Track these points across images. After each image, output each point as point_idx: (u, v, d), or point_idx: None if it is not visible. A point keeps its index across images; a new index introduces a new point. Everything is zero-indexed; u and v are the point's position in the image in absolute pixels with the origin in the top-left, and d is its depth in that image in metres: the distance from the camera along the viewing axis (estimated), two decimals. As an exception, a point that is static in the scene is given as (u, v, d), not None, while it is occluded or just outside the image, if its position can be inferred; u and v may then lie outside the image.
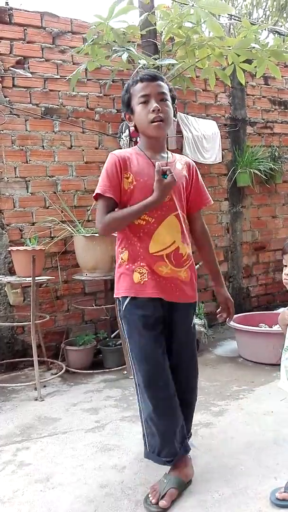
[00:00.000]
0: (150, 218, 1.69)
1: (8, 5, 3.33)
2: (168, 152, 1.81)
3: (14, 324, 3.25)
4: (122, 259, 1.75)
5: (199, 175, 1.88)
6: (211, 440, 2.16)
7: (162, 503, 1.65)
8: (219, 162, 4.23)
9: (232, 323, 3.43)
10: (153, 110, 1.65)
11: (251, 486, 1.77)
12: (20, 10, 3.35)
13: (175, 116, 1.78)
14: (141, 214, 1.67)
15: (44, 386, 2.93)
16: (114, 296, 1.81)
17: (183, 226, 1.76)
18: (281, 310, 1.65)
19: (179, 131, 3.90)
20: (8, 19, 3.29)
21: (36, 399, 2.75)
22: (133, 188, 1.69)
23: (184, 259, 1.76)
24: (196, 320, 3.60)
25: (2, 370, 3.24)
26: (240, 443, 2.12)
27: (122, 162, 1.71)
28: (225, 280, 4.41)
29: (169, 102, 1.71)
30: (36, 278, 2.88)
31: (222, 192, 4.42)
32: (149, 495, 1.71)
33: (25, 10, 3.36)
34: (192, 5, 3.22)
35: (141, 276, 1.70)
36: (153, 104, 1.65)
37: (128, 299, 1.73)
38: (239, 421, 2.35)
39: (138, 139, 1.89)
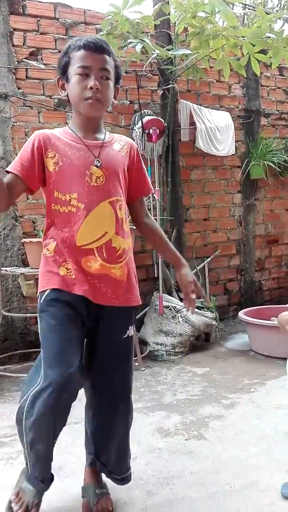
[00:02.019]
0: (79, 203, 1.45)
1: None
2: (106, 132, 1.58)
3: (27, 315, 3.28)
4: (48, 250, 1.49)
5: (141, 160, 1.64)
6: (222, 433, 2.17)
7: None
8: (232, 154, 4.19)
9: (244, 316, 3.43)
10: (91, 87, 1.41)
11: (262, 479, 1.77)
12: (34, 1, 3.34)
13: (115, 97, 1.54)
14: None
15: (57, 377, 2.96)
16: (38, 293, 1.53)
17: (119, 215, 1.50)
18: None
19: (192, 123, 3.88)
20: (22, 10, 3.28)
21: (48, 389, 2.78)
22: (59, 170, 1.45)
23: (119, 253, 1.49)
24: (207, 313, 3.64)
25: (15, 361, 3.29)
26: (251, 436, 2.13)
27: (43, 140, 1.47)
28: (237, 274, 4.43)
29: (111, 82, 1.47)
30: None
31: (235, 185, 4.38)
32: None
33: (39, 1, 3.36)
34: (207, -5, 3.18)
35: (67, 271, 1.46)
36: (91, 81, 1.41)
37: (48, 291, 1.46)
38: (250, 414, 2.35)
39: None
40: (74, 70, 1.43)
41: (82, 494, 1.69)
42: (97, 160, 1.48)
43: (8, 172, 1.45)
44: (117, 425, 1.59)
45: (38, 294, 1.52)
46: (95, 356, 1.54)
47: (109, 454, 1.62)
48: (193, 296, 1.61)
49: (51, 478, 1.58)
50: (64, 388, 1.37)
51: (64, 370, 1.36)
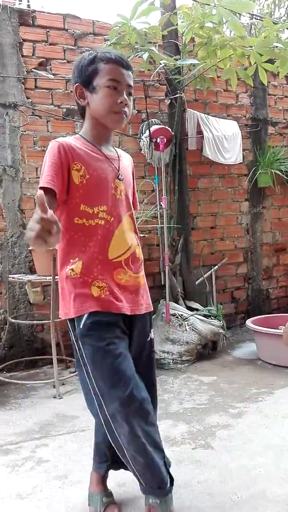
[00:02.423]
0: (109, 216, 1.45)
1: (30, 7, 3.39)
2: (112, 145, 1.60)
3: (34, 322, 3.29)
4: (73, 271, 1.43)
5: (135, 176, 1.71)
6: (229, 442, 2.15)
7: None
8: (239, 163, 4.20)
9: (251, 325, 3.41)
10: (121, 102, 1.44)
11: (270, 489, 1.75)
12: (43, 12, 3.40)
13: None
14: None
15: (63, 384, 2.96)
16: (64, 317, 1.49)
17: (136, 227, 1.58)
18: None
19: (199, 132, 3.90)
20: (31, 22, 3.34)
21: (54, 397, 2.78)
22: (87, 183, 1.43)
23: (140, 263, 1.57)
24: (214, 321, 3.63)
25: (21, 368, 3.29)
26: (258, 445, 2.10)
27: (68, 149, 1.42)
28: (245, 282, 4.41)
29: (131, 97, 1.51)
30: (56, 277, 2.90)
31: (243, 193, 4.38)
32: None
33: (48, 13, 3.41)
34: (215, 5, 3.21)
35: (100, 291, 1.44)
36: (123, 96, 1.44)
37: (86, 315, 1.42)
38: (258, 424, 2.33)
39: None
40: (103, 82, 1.43)
41: (88, 502, 1.68)
42: (120, 173, 1.52)
43: (43, 188, 1.34)
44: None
45: (74, 318, 1.44)
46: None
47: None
48: None
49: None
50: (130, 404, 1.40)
51: (125, 390, 1.39)
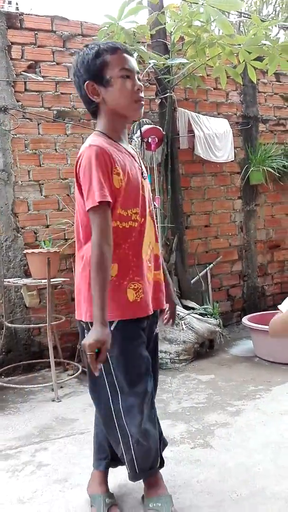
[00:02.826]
0: (140, 218, 1.45)
1: (18, 10, 3.37)
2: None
3: (31, 326, 3.28)
4: (115, 269, 1.43)
5: None
6: (227, 440, 2.16)
7: None
8: (231, 161, 4.21)
9: (247, 322, 3.42)
10: (138, 89, 1.42)
11: (269, 487, 1.76)
12: (31, 15, 3.39)
13: None
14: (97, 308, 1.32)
15: (61, 387, 2.96)
16: (87, 319, 1.45)
17: (155, 224, 1.61)
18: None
19: (190, 130, 3.90)
20: (19, 24, 3.33)
21: (53, 400, 2.78)
22: (125, 186, 1.41)
23: (158, 259, 1.61)
24: (211, 320, 3.63)
25: (19, 372, 3.28)
26: (257, 443, 2.11)
27: (109, 155, 1.38)
28: (240, 279, 4.43)
29: None
30: (52, 280, 2.90)
31: (235, 191, 4.39)
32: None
33: (36, 15, 3.40)
34: (202, 4, 3.22)
35: (136, 293, 1.44)
36: (138, 83, 1.42)
37: (120, 322, 1.44)
38: (256, 421, 2.34)
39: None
40: (116, 73, 1.40)
41: (91, 503, 1.68)
42: (144, 171, 1.50)
43: (101, 202, 1.33)
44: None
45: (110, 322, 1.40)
46: None
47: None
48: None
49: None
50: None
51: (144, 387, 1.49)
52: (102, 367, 1.39)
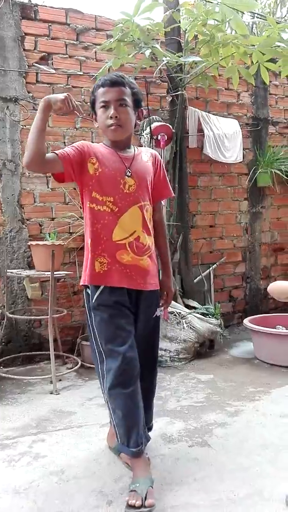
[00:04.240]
0: (114, 207, 1.75)
1: (31, 1, 3.36)
2: (133, 146, 1.87)
3: (32, 317, 3.28)
4: (88, 244, 1.80)
5: (163, 167, 1.94)
6: (226, 440, 2.15)
7: (149, 502, 1.61)
8: (239, 162, 4.20)
9: (249, 324, 3.41)
10: (111, 117, 1.72)
11: (267, 488, 1.75)
12: (46, 6, 3.38)
13: (139, 118, 1.85)
14: (38, 121, 1.66)
15: (60, 380, 2.96)
16: (81, 283, 1.85)
17: (145, 217, 1.81)
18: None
19: (200, 130, 3.89)
20: (34, 16, 3.32)
21: (51, 393, 2.77)
22: (99, 175, 1.74)
23: (145, 248, 1.81)
24: (212, 320, 3.62)
25: (18, 363, 3.28)
26: (255, 444, 2.10)
27: (90, 147, 1.78)
28: (243, 281, 4.42)
29: (129, 108, 1.75)
30: (55, 273, 2.90)
31: (242, 192, 4.38)
32: (130, 502, 1.62)
33: (50, 7, 3.39)
34: (218, 3, 3.20)
35: (101, 266, 1.76)
36: (111, 111, 1.72)
37: (92, 287, 1.79)
38: (254, 423, 2.33)
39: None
40: (98, 105, 1.76)
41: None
42: (128, 170, 1.77)
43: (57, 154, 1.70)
44: (147, 384, 1.89)
45: (83, 286, 1.83)
46: (136, 332, 1.82)
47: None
48: (168, 299, 1.99)
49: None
50: (125, 360, 1.72)
51: (121, 344, 1.74)
52: (90, 335, 1.82)
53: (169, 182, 1.97)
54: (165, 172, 1.94)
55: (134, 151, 1.85)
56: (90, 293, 1.80)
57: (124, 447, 1.79)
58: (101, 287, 1.76)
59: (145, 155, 1.87)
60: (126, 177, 1.76)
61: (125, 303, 1.78)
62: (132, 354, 1.74)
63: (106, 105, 1.73)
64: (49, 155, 1.69)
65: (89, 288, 1.81)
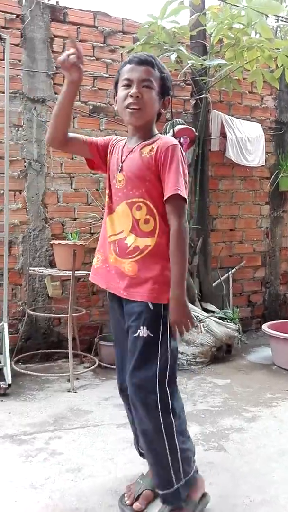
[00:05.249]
0: (109, 201, 1.65)
1: (58, 3, 3.41)
2: (157, 135, 1.60)
3: (52, 315, 3.32)
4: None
5: (170, 162, 1.51)
6: (242, 446, 2.14)
7: (137, 505, 1.62)
8: (262, 165, 4.17)
9: (267, 329, 3.39)
10: (131, 96, 1.51)
11: (283, 494, 1.74)
12: (75, 9, 3.42)
13: (164, 107, 1.62)
14: (60, 95, 1.56)
15: (77, 379, 2.98)
16: None
17: (135, 216, 1.54)
18: None
19: (222, 133, 3.88)
20: (63, 18, 3.37)
21: (68, 391, 2.80)
22: (107, 166, 1.67)
23: (130, 250, 1.54)
24: (230, 324, 3.61)
25: (36, 360, 3.32)
26: (272, 450, 2.09)
27: (115, 140, 1.69)
28: (262, 286, 4.38)
29: (154, 91, 1.52)
30: (76, 272, 2.93)
31: (264, 196, 4.35)
32: (125, 495, 1.68)
33: (79, 9, 3.44)
34: (243, 7, 3.20)
35: (96, 261, 1.69)
36: (133, 90, 1.51)
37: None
38: (271, 429, 2.32)
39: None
40: (120, 83, 1.56)
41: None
42: (120, 165, 1.60)
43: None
44: (141, 426, 1.55)
45: None
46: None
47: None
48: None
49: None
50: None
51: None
52: None
53: (174, 179, 1.49)
54: (172, 167, 1.50)
55: (139, 143, 1.58)
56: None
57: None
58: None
59: (148, 148, 1.55)
60: (117, 172, 1.60)
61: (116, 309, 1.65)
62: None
63: (128, 84, 1.52)
64: (76, 135, 1.64)
65: None
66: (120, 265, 1.57)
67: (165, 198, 1.51)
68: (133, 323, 1.54)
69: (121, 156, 1.60)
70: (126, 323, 1.58)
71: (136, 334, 1.52)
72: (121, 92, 1.54)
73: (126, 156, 1.59)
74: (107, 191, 1.67)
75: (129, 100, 1.51)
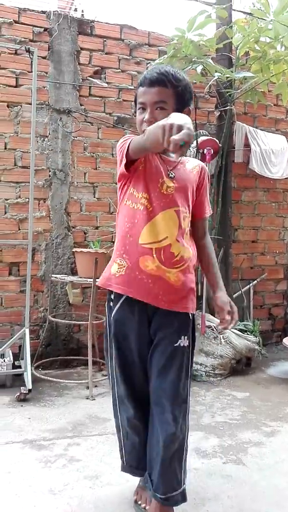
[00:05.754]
0: (148, 204, 1.55)
1: (83, 16, 3.50)
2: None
3: (72, 322, 3.35)
4: (115, 244, 1.64)
5: (208, 182, 1.70)
6: (261, 460, 2.12)
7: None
8: (286, 178, 4.15)
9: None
10: (144, 122, 1.52)
11: (302, 513, 1.72)
12: (101, 22, 3.50)
13: (188, 113, 1.57)
14: (145, 148, 1.45)
15: (95, 386, 3.00)
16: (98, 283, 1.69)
17: (182, 225, 1.57)
18: None
19: (246, 144, 3.88)
20: (90, 31, 3.45)
21: (87, 398, 2.82)
22: (141, 170, 1.56)
23: (176, 260, 1.54)
24: (250, 337, 3.58)
25: (56, 366, 3.36)
26: (291, 467, 2.06)
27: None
28: (284, 299, 4.33)
29: (168, 110, 1.49)
30: (97, 280, 2.95)
31: (287, 208, 4.32)
32: (136, 499, 1.75)
33: (106, 23, 3.51)
34: (271, 20, 3.21)
35: (118, 268, 1.55)
36: (146, 115, 1.52)
37: (111, 295, 1.61)
38: (291, 445, 2.29)
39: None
40: (137, 105, 1.58)
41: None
42: (171, 172, 1.59)
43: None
44: (171, 436, 1.54)
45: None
46: (152, 354, 1.58)
47: (152, 466, 1.58)
48: (228, 317, 1.64)
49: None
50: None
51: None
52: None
53: (208, 201, 1.72)
54: (207, 188, 1.71)
55: (179, 159, 1.63)
56: (112, 303, 1.61)
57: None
58: (124, 297, 1.56)
59: (191, 164, 1.67)
60: (167, 178, 1.56)
61: (138, 319, 1.57)
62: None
63: (143, 107, 1.54)
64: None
65: (112, 294, 1.61)
66: (164, 275, 1.52)
67: (204, 215, 1.70)
68: (173, 333, 1.55)
69: (165, 165, 1.59)
70: (155, 334, 1.56)
71: (177, 344, 1.54)
72: (138, 115, 1.57)
73: (174, 167, 1.60)
74: (141, 194, 1.56)
75: (145, 126, 1.51)
